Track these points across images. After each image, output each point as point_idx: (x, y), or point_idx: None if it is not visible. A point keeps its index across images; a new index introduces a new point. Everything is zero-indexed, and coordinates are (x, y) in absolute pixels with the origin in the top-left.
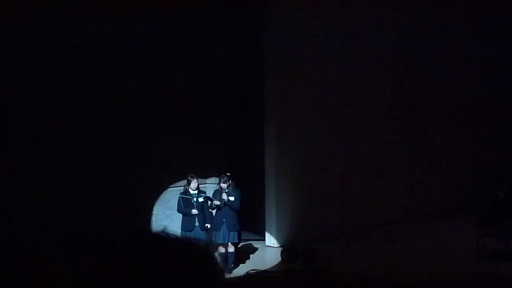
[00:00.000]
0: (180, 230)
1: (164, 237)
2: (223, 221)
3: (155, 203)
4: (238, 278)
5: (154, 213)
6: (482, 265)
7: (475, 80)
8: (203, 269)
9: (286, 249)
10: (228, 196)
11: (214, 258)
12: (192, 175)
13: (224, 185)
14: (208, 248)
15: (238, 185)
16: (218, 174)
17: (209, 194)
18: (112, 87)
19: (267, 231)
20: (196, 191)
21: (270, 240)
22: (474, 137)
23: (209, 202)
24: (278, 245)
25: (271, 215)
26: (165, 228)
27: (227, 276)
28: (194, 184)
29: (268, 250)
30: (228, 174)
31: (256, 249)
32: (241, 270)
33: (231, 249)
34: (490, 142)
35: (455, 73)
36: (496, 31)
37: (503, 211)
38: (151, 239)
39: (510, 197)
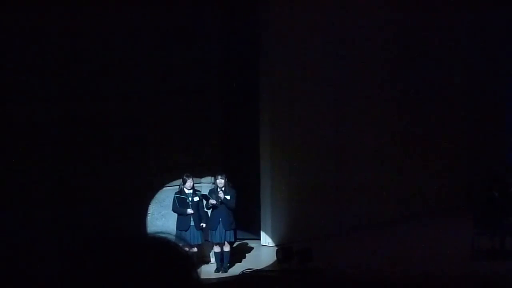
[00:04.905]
0: (175, 230)
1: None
2: (219, 220)
3: (150, 203)
4: (233, 277)
5: (149, 212)
6: (477, 265)
7: (471, 80)
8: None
9: (281, 249)
10: (224, 194)
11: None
12: (188, 174)
13: (220, 181)
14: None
15: (233, 186)
16: (214, 174)
17: (204, 193)
18: (106, 86)
19: (262, 231)
20: (191, 191)
21: (265, 239)
22: (469, 137)
23: (205, 201)
24: (273, 245)
25: (266, 215)
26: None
27: (223, 275)
28: (189, 183)
29: (264, 250)
30: (224, 174)
31: (252, 248)
32: (236, 269)
33: (226, 248)
34: (485, 141)
35: (450, 72)
36: (495, 33)
37: (498, 211)
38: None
39: (505, 197)
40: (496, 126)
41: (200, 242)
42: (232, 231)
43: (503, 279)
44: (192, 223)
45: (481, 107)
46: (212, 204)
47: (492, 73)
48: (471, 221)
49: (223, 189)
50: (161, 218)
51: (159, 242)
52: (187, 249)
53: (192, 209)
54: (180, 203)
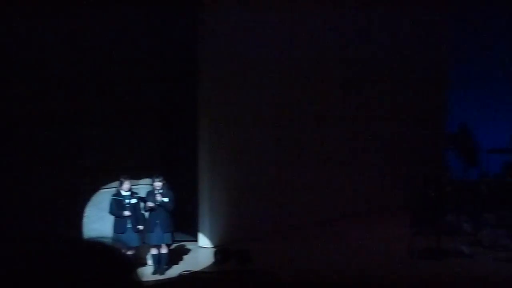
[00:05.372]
0: (112, 232)
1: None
2: (156, 223)
3: (87, 205)
4: (171, 279)
5: (85, 215)
6: (414, 264)
7: (410, 80)
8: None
9: (219, 250)
10: (162, 197)
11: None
12: (125, 176)
13: (158, 183)
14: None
15: (170, 188)
16: (151, 176)
17: (142, 195)
18: (42, 85)
19: (200, 232)
20: (128, 193)
21: (203, 241)
22: (407, 137)
23: (143, 204)
24: (211, 246)
25: (204, 216)
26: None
27: (160, 277)
28: (126, 185)
29: (201, 251)
30: (161, 176)
31: (189, 250)
32: (174, 271)
33: (164, 250)
34: (423, 141)
35: (390, 72)
36: (435, 32)
37: (433, 210)
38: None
39: (440, 197)
40: (434, 126)
41: (137, 245)
42: (169, 233)
43: (439, 278)
44: (129, 226)
45: (420, 107)
46: (150, 207)
47: (432, 73)
48: (408, 221)
49: (160, 191)
50: (98, 220)
51: (96, 246)
52: (124, 251)
53: (130, 211)
54: (117, 206)
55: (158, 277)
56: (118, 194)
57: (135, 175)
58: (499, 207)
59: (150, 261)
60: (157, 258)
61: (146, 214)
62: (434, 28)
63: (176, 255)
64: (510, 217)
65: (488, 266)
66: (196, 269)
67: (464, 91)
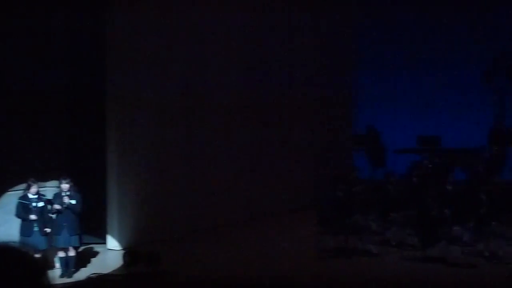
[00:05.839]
0: (19, 236)
1: None
2: (64, 225)
3: None
4: (78, 282)
5: None
6: (322, 263)
7: (313, 81)
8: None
9: (128, 252)
10: (69, 199)
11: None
12: (33, 179)
13: (65, 186)
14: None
15: (78, 190)
16: (59, 178)
17: (49, 198)
18: None
19: (109, 234)
20: (36, 196)
21: (112, 243)
22: (317, 137)
23: (50, 206)
24: (120, 248)
25: (113, 218)
26: None
27: (68, 280)
28: (34, 188)
29: (110, 254)
30: (68, 179)
31: (97, 252)
32: (82, 274)
33: (71, 253)
34: (329, 142)
35: (301, 74)
36: (343, 35)
37: (341, 210)
38: None
39: (348, 196)
40: (342, 126)
41: (44, 248)
42: (77, 236)
43: (347, 276)
44: (36, 229)
45: (329, 108)
46: (57, 209)
47: (339, 74)
48: (316, 221)
49: (68, 193)
50: (3, 223)
51: (4, 249)
52: (32, 254)
53: (36, 214)
54: (23, 209)
55: (66, 280)
56: (24, 197)
57: (43, 177)
58: (406, 206)
59: (57, 264)
60: (65, 261)
61: (54, 216)
62: (341, 28)
63: (84, 258)
64: (416, 216)
65: (395, 264)
66: (104, 272)
67: (371, 92)
